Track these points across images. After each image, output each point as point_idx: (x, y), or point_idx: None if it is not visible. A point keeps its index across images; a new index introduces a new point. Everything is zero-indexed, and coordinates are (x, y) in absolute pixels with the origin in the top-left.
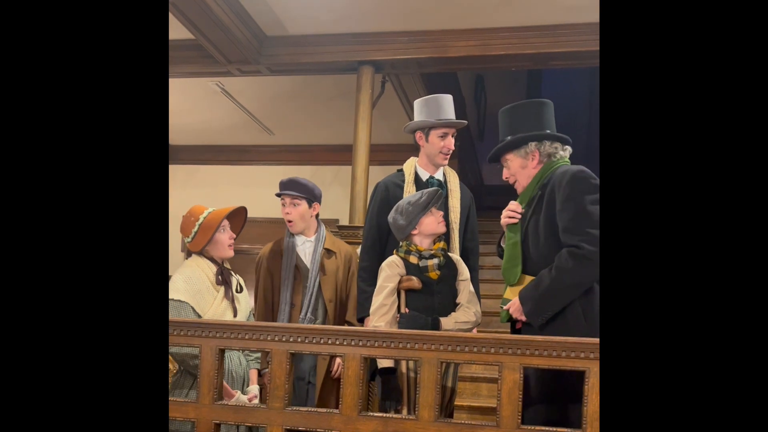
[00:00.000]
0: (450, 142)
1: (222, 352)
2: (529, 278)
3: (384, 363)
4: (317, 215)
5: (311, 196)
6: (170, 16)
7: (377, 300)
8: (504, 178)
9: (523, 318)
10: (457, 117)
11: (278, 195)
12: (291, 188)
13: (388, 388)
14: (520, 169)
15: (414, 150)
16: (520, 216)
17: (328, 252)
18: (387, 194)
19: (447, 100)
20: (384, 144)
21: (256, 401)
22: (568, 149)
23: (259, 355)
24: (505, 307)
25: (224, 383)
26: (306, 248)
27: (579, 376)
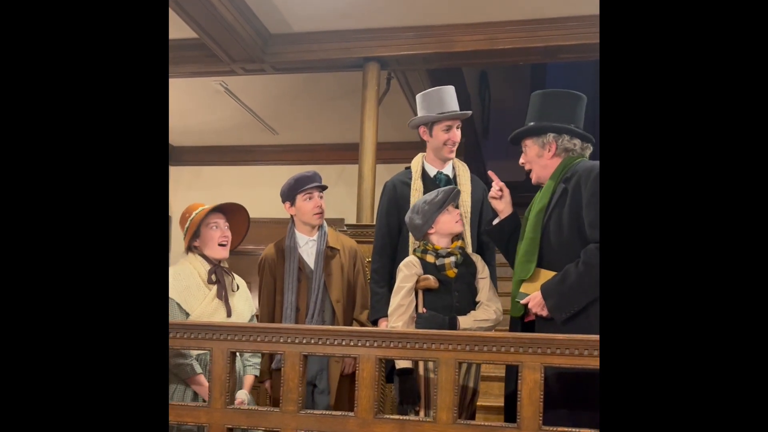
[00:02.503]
0: (455, 134)
1: (233, 355)
2: (543, 272)
3: (402, 364)
4: None
5: None
6: (173, 14)
7: (395, 300)
8: (520, 163)
9: (544, 313)
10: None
11: (308, 189)
12: (320, 180)
13: (404, 389)
14: (535, 157)
15: (420, 147)
16: (500, 194)
17: (332, 250)
18: (395, 193)
19: (448, 92)
20: (389, 142)
21: (244, 407)
22: (589, 147)
23: (258, 361)
24: (522, 302)
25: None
26: (309, 248)
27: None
